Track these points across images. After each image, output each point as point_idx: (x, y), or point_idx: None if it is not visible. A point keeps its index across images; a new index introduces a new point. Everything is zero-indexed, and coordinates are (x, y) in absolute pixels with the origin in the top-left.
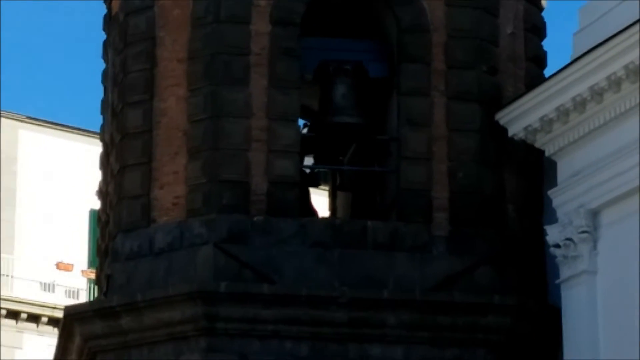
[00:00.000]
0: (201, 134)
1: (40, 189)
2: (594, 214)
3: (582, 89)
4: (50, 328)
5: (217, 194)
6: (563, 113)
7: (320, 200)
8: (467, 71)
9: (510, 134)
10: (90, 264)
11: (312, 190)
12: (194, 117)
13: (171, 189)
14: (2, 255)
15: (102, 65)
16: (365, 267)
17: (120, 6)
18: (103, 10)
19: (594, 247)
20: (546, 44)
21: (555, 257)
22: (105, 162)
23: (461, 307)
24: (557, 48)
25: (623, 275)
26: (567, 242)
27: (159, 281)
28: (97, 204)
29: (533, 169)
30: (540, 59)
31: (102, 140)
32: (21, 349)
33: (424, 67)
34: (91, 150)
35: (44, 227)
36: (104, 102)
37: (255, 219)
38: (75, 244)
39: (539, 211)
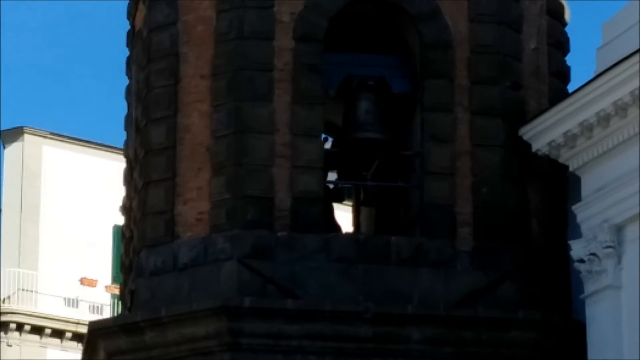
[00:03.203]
0: (225, 150)
1: (63, 205)
2: (618, 229)
3: (605, 104)
4: (74, 344)
5: (241, 209)
6: (587, 128)
7: (344, 216)
8: (490, 86)
9: (534, 149)
10: (114, 279)
11: (335, 205)
12: (217, 133)
13: (195, 204)
14: (26, 270)
15: (125, 81)
16: (389, 283)
17: (144, 22)
18: (126, 26)
19: (619, 262)
20: (570, 59)
21: (579, 272)
22: (129, 177)
23: (485, 323)
24: (580, 63)
25: None
26: (592, 257)
27: (183, 296)
28: (120, 220)
29: (557, 184)
30: (563, 74)
31: (126, 156)
32: None
33: (448, 83)
34: (115, 166)
35: (68, 242)
36: (127, 118)
37: (279, 234)
38: (99, 259)
39: (563, 226)
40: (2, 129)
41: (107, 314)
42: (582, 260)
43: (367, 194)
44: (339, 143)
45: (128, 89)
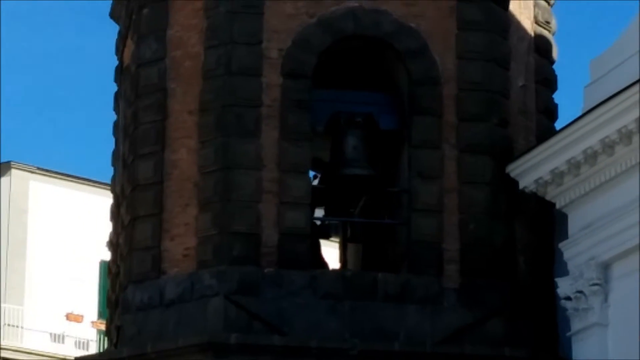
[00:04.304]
0: (212, 186)
1: (50, 240)
2: (605, 267)
3: (593, 141)
4: None
5: (227, 245)
6: (574, 166)
7: (330, 252)
8: (478, 124)
9: (521, 186)
10: (101, 315)
11: (322, 242)
12: (204, 169)
13: (182, 240)
14: (12, 306)
15: (113, 116)
16: (376, 319)
17: (132, 58)
18: (115, 61)
19: (605, 299)
20: (557, 97)
21: (566, 309)
22: (116, 213)
23: None
24: (568, 101)
25: (634, 328)
26: (578, 294)
27: (169, 332)
28: (107, 255)
29: (544, 222)
30: (551, 112)
31: (113, 191)
32: None
33: (435, 120)
34: (102, 201)
35: (54, 278)
36: (115, 154)
37: (265, 270)
38: (85, 295)
39: (549, 263)
40: None
41: (93, 349)
42: (568, 298)
43: (354, 230)
44: (326, 179)
45: (116, 125)
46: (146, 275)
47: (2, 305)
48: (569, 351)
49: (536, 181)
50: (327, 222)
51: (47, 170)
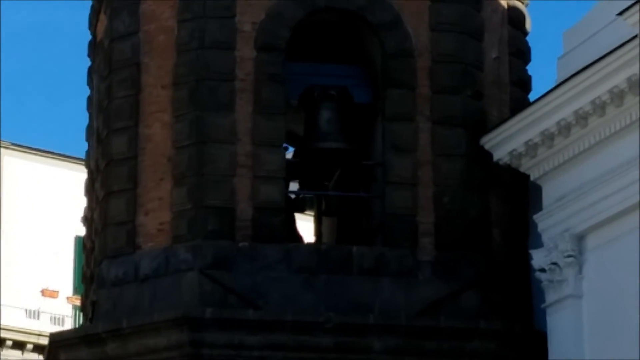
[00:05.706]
0: (186, 160)
1: (25, 216)
2: (579, 238)
3: (566, 113)
4: (35, 355)
5: (202, 220)
6: (548, 137)
7: (305, 226)
8: (452, 96)
9: (495, 158)
10: (76, 290)
11: (297, 215)
12: (178, 143)
13: (156, 215)
14: None
15: (87, 91)
16: (350, 293)
17: (105, 32)
18: (88, 36)
19: (579, 271)
20: (531, 68)
21: (540, 281)
22: (90, 188)
23: (447, 332)
24: (541, 72)
25: (608, 299)
26: (553, 266)
27: (144, 307)
28: (82, 231)
29: (518, 194)
30: (524, 83)
31: (87, 166)
32: None
33: (409, 92)
34: (76, 176)
35: (29, 253)
36: (89, 129)
37: (240, 244)
38: (60, 270)
39: (524, 235)
40: None
41: (68, 325)
42: (543, 270)
43: (329, 204)
44: (301, 153)
45: (89, 100)
46: (121, 250)
47: None
48: (543, 323)
49: (510, 153)
50: (301, 196)
51: (21, 146)
